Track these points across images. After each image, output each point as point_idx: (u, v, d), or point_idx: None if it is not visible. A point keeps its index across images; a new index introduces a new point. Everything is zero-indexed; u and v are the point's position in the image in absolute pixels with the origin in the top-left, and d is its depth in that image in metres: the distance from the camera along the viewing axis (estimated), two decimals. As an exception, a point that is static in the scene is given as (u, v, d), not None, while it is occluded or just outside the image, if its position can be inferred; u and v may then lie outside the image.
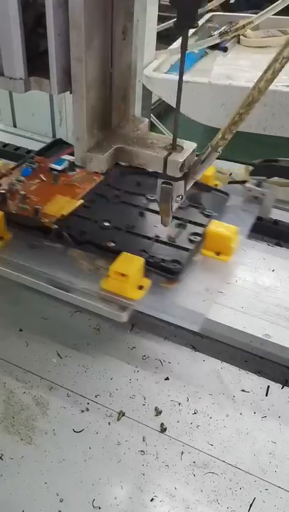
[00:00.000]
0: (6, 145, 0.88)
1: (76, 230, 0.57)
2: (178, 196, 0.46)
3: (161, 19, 0.85)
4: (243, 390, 0.52)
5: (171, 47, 0.89)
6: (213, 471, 0.44)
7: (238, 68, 0.83)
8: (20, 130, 0.97)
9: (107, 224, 0.58)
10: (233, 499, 0.43)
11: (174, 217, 0.58)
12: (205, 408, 0.50)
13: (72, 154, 0.64)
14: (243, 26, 0.86)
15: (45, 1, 0.34)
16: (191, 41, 1.03)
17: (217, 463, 0.45)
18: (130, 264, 0.51)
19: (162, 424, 0.48)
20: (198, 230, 0.59)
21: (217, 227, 0.59)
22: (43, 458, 0.44)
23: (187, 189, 0.46)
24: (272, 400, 0.51)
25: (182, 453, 0.46)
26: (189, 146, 0.45)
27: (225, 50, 0.97)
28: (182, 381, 0.52)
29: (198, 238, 0.57)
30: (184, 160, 0.43)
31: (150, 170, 0.47)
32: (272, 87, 0.70)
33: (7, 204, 0.61)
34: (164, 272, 0.53)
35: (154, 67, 0.80)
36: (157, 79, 0.77)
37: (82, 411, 0.48)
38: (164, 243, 0.57)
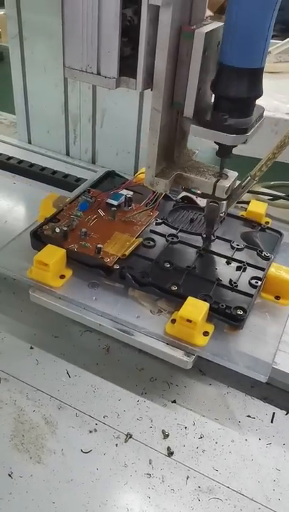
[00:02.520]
0: (21, 161, 0.90)
1: (138, 271, 0.56)
2: (221, 213, 0.57)
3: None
4: (248, 416, 0.52)
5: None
6: (217, 496, 0.45)
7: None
8: (34, 147, 0.99)
9: (168, 265, 0.58)
10: (237, 526, 0.43)
11: (234, 260, 0.60)
12: (211, 433, 0.50)
13: (127, 189, 0.69)
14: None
15: (141, 17, 0.44)
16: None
17: (222, 489, 0.46)
18: (196, 310, 0.51)
19: (169, 448, 0.48)
20: (259, 273, 0.59)
21: (278, 270, 0.58)
22: (52, 477, 0.45)
23: (229, 208, 0.57)
24: (277, 426, 0.52)
25: (188, 477, 0.46)
26: (232, 174, 0.55)
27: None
28: (189, 404, 0.53)
29: (259, 283, 0.57)
30: (229, 185, 0.54)
31: (201, 192, 0.55)
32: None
33: (68, 241, 0.60)
34: (229, 318, 0.53)
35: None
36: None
37: (91, 431, 0.49)
38: (226, 287, 0.56)
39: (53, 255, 0.56)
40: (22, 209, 0.81)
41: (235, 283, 0.56)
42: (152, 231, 0.64)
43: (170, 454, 0.48)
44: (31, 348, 0.58)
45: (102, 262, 0.57)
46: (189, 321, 0.50)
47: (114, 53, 0.45)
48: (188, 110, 0.49)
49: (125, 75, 0.47)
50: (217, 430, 0.51)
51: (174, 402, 0.53)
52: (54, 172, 0.88)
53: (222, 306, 0.53)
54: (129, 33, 0.45)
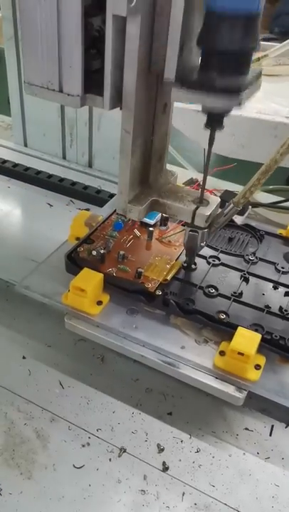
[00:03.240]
0: (16, 165, 0.89)
1: (182, 297, 0.53)
2: (202, 242, 0.53)
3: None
4: (246, 429, 0.51)
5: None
6: (214, 514, 0.44)
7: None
8: (30, 150, 0.97)
9: (212, 291, 0.54)
10: None
11: (281, 284, 0.57)
12: (207, 447, 0.49)
13: None
14: (258, 59, 0.87)
15: (106, 28, 0.38)
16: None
17: (219, 505, 0.44)
18: (249, 342, 0.47)
19: (164, 463, 0.47)
20: None
21: None
22: (43, 494, 0.44)
23: (210, 237, 0.54)
24: (275, 440, 0.50)
25: (183, 493, 0.45)
26: (214, 200, 0.50)
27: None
28: (185, 417, 0.52)
29: None
30: (210, 213, 0.49)
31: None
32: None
33: (105, 264, 0.56)
34: (283, 350, 0.49)
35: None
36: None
37: (83, 445, 0.48)
38: (276, 315, 0.53)
39: (91, 280, 0.52)
40: (17, 214, 0.79)
41: (286, 310, 0.53)
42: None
43: (165, 469, 0.46)
44: (23, 357, 0.56)
45: (144, 287, 0.54)
46: (241, 353, 0.46)
47: (78, 68, 0.40)
48: (170, 71, 0.41)
49: (91, 92, 0.42)
50: (214, 444, 0.49)
51: (170, 414, 0.52)
52: (50, 176, 0.86)
53: (275, 336, 0.49)
54: (97, 44, 0.40)
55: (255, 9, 0.38)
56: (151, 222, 0.62)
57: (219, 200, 0.51)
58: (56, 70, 0.41)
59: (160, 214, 0.62)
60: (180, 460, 0.48)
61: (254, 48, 0.40)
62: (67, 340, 0.59)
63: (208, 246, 0.61)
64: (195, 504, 0.44)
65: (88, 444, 0.48)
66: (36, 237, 0.71)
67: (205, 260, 0.59)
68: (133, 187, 0.49)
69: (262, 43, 1.09)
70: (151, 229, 0.61)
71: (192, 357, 0.49)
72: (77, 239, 0.61)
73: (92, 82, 0.41)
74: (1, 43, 1.17)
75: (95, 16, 0.39)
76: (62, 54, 0.40)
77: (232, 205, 0.50)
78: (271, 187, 1.05)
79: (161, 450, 0.48)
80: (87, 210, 0.79)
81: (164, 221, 0.63)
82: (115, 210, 0.64)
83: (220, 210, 0.51)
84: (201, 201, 0.50)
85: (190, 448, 0.49)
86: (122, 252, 0.57)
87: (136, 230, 0.62)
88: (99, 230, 0.61)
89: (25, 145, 0.99)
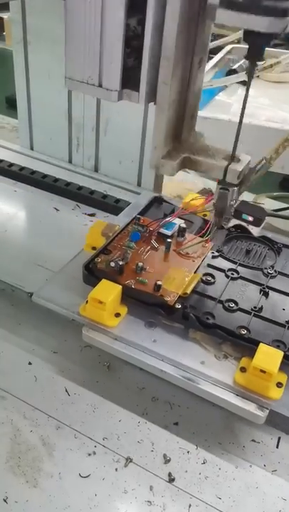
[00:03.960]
0: (22, 168, 0.88)
1: (201, 311, 0.53)
2: (232, 200, 0.52)
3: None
4: (253, 440, 0.51)
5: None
6: (222, 530, 0.43)
7: (258, 106, 0.83)
8: (36, 153, 0.97)
9: (232, 305, 0.54)
10: None
11: None
12: (214, 458, 0.49)
13: (180, 217, 0.64)
14: (271, 66, 0.87)
15: (145, 29, 0.42)
16: (211, 73, 1.04)
17: (225, 518, 0.44)
18: (271, 360, 0.46)
19: (170, 474, 0.47)
20: None
21: None
22: (48, 503, 0.43)
23: (240, 195, 0.52)
24: (282, 452, 0.50)
25: (190, 505, 0.45)
26: (245, 158, 0.50)
27: (244, 84, 0.98)
28: (192, 427, 0.51)
29: None
30: (242, 169, 0.49)
31: (219, 178, 0.50)
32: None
33: (123, 276, 0.55)
34: None
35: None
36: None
37: (89, 454, 0.48)
38: None
39: (110, 292, 0.52)
40: (24, 218, 0.79)
41: None
42: (210, 265, 0.60)
43: (171, 480, 0.46)
44: (29, 363, 0.56)
45: (163, 300, 0.53)
46: (263, 371, 0.45)
47: (117, 65, 0.43)
48: None
49: (128, 87, 0.45)
50: (221, 455, 0.49)
51: (176, 424, 0.52)
52: (56, 180, 0.86)
53: None
54: (132, 43, 0.43)
55: None
56: (169, 233, 0.62)
57: (250, 158, 0.51)
58: (97, 66, 0.44)
59: (178, 225, 0.62)
60: (186, 471, 0.47)
61: None
62: (74, 347, 0.59)
63: (226, 259, 0.61)
64: (201, 516, 0.44)
65: (94, 452, 0.48)
66: (43, 241, 0.70)
67: (224, 273, 0.59)
68: (166, 142, 0.49)
69: (271, 49, 1.10)
70: (169, 240, 0.60)
71: (212, 373, 0.49)
72: (94, 248, 0.60)
73: (128, 79, 0.44)
74: (8, 45, 1.17)
75: (132, 17, 0.42)
76: (104, 51, 0.43)
77: (264, 161, 0.52)
78: (275, 194, 1.05)
79: (167, 461, 0.48)
80: (93, 214, 0.80)
81: (181, 232, 0.62)
82: (132, 220, 0.64)
83: (250, 167, 0.52)
84: (233, 158, 0.50)
85: (196, 459, 0.48)
86: (140, 264, 0.56)
87: (153, 241, 0.61)
88: (116, 240, 0.61)
89: (32, 148, 0.98)
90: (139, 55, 0.43)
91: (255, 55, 0.44)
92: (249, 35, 0.41)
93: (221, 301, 0.54)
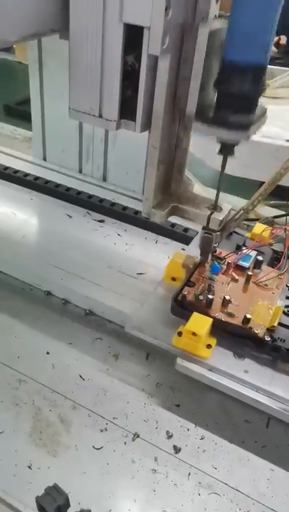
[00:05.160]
0: (37, 178, 0.96)
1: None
2: (215, 243, 0.59)
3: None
4: (246, 421, 0.57)
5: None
6: (216, 492, 0.50)
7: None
8: (49, 164, 1.04)
9: None
10: (233, 518, 0.48)
11: None
12: (211, 435, 0.55)
13: (255, 249, 0.67)
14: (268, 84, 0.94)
15: (141, 65, 0.46)
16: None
17: (220, 485, 0.51)
18: None
19: (175, 447, 0.53)
20: None
21: None
22: (67, 470, 0.50)
23: (222, 240, 0.60)
24: (271, 431, 0.57)
25: (189, 474, 0.51)
26: (226, 207, 0.58)
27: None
28: (192, 409, 0.58)
29: None
30: (223, 218, 0.56)
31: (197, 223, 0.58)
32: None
33: (212, 309, 0.59)
34: None
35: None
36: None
37: (102, 430, 0.54)
38: None
39: (203, 325, 0.55)
40: (40, 224, 0.86)
41: None
42: (288, 297, 0.63)
43: (178, 450, 0.53)
44: (47, 353, 0.63)
45: (253, 333, 0.56)
46: None
47: (116, 98, 0.48)
48: (191, 108, 0.50)
49: (125, 117, 0.49)
50: (217, 432, 0.55)
51: (178, 406, 0.58)
52: (68, 189, 0.93)
53: None
54: (129, 77, 0.48)
55: (263, 62, 0.45)
56: (247, 265, 0.65)
57: (230, 207, 0.58)
58: (98, 98, 0.49)
59: (254, 257, 0.66)
60: (186, 445, 0.54)
61: (262, 92, 0.47)
62: (86, 340, 0.66)
63: None
64: (199, 483, 0.51)
65: (106, 429, 0.54)
66: (57, 245, 0.77)
67: None
68: (156, 194, 0.56)
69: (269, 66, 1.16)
70: (249, 273, 0.63)
71: None
72: (173, 279, 0.65)
73: (126, 109, 0.49)
74: (19, 58, 1.25)
75: (130, 55, 0.47)
76: (104, 85, 0.48)
77: (242, 211, 0.58)
78: (272, 202, 1.12)
79: (170, 436, 0.55)
80: (102, 221, 0.87)
81: (258, 264, 0.65)
82: (212, 254, 0.66)
83: (231, 216, 0.58)
84: (215, 208, 0.57)
85: (195, 435, 0.55)
86: (227, 297, 0.59)
87: (233, 273, 0.65)
88: (197, 273, 0.64)
89: (45, 159, 1.06)
90: (136, 88, 0.47)
91: (226, 153, 0.53)
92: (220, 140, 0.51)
93: None
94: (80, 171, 1.03)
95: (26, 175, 0.96)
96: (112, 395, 0.58)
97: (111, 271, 0.73)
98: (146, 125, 0.51)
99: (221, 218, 0.56)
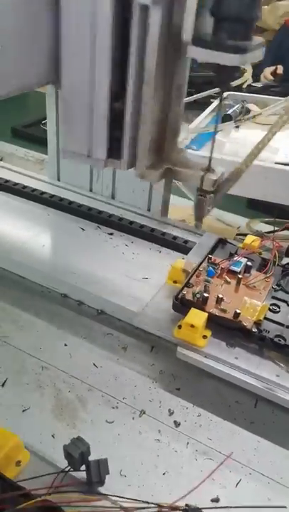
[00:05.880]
0: (52, 196, 1.07)
1: (273, 334, 0.65)
2: (209, 206, 0.61)
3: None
4: (237, 402, 0.66)
5: (190, 126, 1.09)
6: (210, 457, 0.59)
7: (246, 145, 1.01)
8: (62, 183, 1.15)
9: None
10: (225, 479, 0.57)
11: None
12: (207, 412, 0.64)
13: (246, 257, 0.78)
14: (254, 117, 1.06)
15: (126, 111, 0.52)
16: (209, 117, 1.23)
17: (214, 453, 0.59)
18: None
19: (175, 422, 0.62)
20: None
21: None
22: (84, 439, 0.59)
23: (216, 201, 0.61)
24: (259, 410, 0.66)
25: (188, 443, 0.60)
26: (219, 170, 0.60)
27: (237, 127, 1.17)
28: (190, 392, 0.67)
29: None
30: (217, 179, 0.58)
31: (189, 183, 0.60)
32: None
33: (207, 305, 0.68)
34: None
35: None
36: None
37: (113, 408, 0.64)
38: None
39: (199, 318, 0.65)
40: (56, 236, 0.97)
41: None
42: (274, 297, 0.73)
43: (178, 425, 0.62)
44: (65, 345, 0.72)
45: (242, 325, 0.66)
46: None
47: (104, 139, 0.53)
48: (187, 34, 0.50)
49: (112, 156, 0.54)
50: (212, 411, 0.65)
51: (178, 389, 0.67)
52: (80, 205, 1.04)
53: None
54: (116, 120, 0.52)
55: None
56: (238, 269, 0.75)
57: (224, 169, 0.60)
58: (87, 140, 0.54)
59: (244, 263, 0.76)
60: (185, 421, 0.63)
61: (257, 19, 0.49)
62: (98, 334, 0.75)
63: (285, 291, 0.74)
64: (196, 450, 0.60)
65: (117, 407, 0.64)
66: (73, 254, 0.88)
67: (286, 303, 0.72)
68: (150, 155, 0.56)
69: (265, 96, 1.28)
70: (240, 276, 0.73)
71: (287, 384, 0.62)
72: (174, 282, 0.76)
73: (112, 149, 0.54)
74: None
75: (116, 102, 0.52)
76: (93, 129, 0.53)
77: (236, 170, 0.59)
78: (267, 219, 1.23)
79: (171, 413, 0.64)
80: (111, 233, 0.97)
81: (247, 269, 0.75)
82: (204, 259, 0.78)
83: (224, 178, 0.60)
84: (209, 169, 0.58)
85: (193, 413, 0.64)
86: (220, 296, 0.69)
87: (226, 277, 0.75)
88: (195, 276, 0.74)
89: (58, 179, 1.17)
90: (122, 131, 0.52)
91: (223, 82, 0.54)
92: (217, 68, 0.50)
93: (288, 327, 0.67)
94: (91, 190, 1.14)
95: (43, 193, 1.07)
96: (121, 380, 0.68)
97: (119, 276, 0.83)
98: (132, 163, 0.55)
99: (214, 178, 0.57)
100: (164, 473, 0.57)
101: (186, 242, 0.95)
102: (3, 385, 0.65)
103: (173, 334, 0.67)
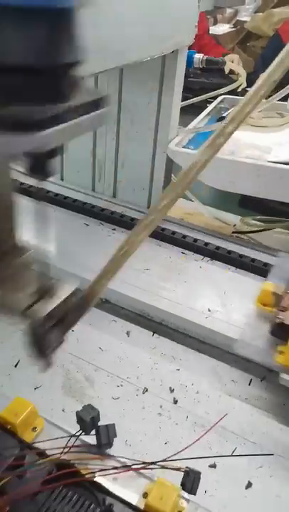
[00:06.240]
0: (57, 194, 1.12)
1: None
2: (54, 343, 0.41)
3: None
4: (232, 380, 0.72)
5: (188, 127, 1.15)
6: (208, 429, 0.64)
7: (241, 145, 1.07)
8: (66, 183, 1.21)
9: None
10: (221, 447, 0.62)
11: None
12: (205, 390, 0.70)
13: None
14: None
15: None
16: (205, 119, 1.29)
17: (211, 424, 0.65)
18: None
19: (174, 398, 0.68)
20: None
21: None
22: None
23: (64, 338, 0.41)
24: (253, 388, 0.71)
25: (187, 417, 0.66)
26: (66, 289, 0.40)
27: (232, 128, 1.23)
28: (189, 372, 0.73)
29: None
30: (58, 305, 0.38)
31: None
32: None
33: None
34: None
35: (176, 142, 1.04)
36: (178, 152, 1.02)
37: (118, 386, 0.69)
38: None
39: None
40: (63, 231, 1.02)
41: None
42: None
43: (175, 402, 0.67)
44: (72, 331, 0.77)
45: None
46: None
47: None
48: None
49: None
50: (209, 388, 0.70)
51: (178, 370, 0.73)
52: (84, 203, 1.10)
53: None
54: None
55: (64, 4, 0.26)
56: None
57: (75, 287, 0.40)
58: None
59: None
60: (185, 397, 0.68)
61: (75, 63, 0.28)
62: (103, 321, 0.81)
63: None
64: (195, 423, 0.65)
65: (122, 385, 0.69)
66: (80, 246, 0.93)
67: None
68: None
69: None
70: None
71: None
72: (264, 305, 0.74)
73: None
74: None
75: None
76: None
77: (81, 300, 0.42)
78: (259, 217, 1.29)
79: (172, 391, 0.69)
80: (114, 229, 1.02)
81: None
82: None
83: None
84: (49, 289, 0.38)
85: (191, 390, 0.70)
86: None
87: None
88: (285, 300, 0.72)
89: (62, 179, 1.23)
90: None
91: (35, 173, 0.34)
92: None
93: None
94: (93, 189, 1.20)
95: (47, 192, 1.13)
96: (125, 362, 0.73)
97: (123, 267, 0.88)
98: None
99: (47, 310, 0.38)
100: (165, 443, 0.62)
101: (184, 237, 1.01)
102: (16, 365, 0.70)
103: (275, 360, 0.66)
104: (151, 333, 0.79)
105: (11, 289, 0.39)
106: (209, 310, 0.80)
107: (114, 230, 1.02)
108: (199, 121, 1.22)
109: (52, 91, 0.28)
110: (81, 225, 1.02)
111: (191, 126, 1.15)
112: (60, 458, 0.50)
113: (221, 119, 1.25)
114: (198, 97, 1.33)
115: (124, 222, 1.05)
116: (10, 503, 0.44)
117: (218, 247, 0.98)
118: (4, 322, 0.76)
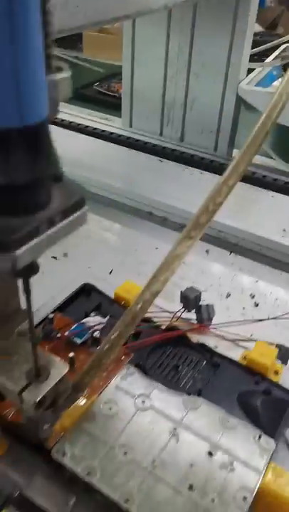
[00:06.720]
0: (128, 137, 1.19)
1: None
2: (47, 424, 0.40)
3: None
4: None
5: (266, 61, 1.17)
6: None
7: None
8: (135, 129, 1.27)
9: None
10: None
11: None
12: (283, 297, 0.75)
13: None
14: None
15: None
16: (270, 66, 1.30)
17: (291, 325, 0.70)
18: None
19: (255, 302, 0.74)
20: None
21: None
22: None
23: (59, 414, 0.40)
24: None
25: (268, 316, 0.71)
26: (56, 374, 0.36)
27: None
28: (267, 283, 0.78)
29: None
30: (44, 395, 0.35)
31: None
32: None
33: None
34: None
35: (246, 82, 1.08)
36: (250, 90, 1.06)
37: (203, 291, 0.75)
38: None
39: None
40: (138, 168, 1.09)
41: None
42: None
43: (256, 305, 0.73)
44: (156, 248, 0.85)
45: None
46: None
47: None
48: None
49: None
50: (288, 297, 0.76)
51: (257, 281, 0.78)
52: (154, 145, 1.16)
53: None
54: None
55: (18, 123, 0.24)
56: None
57: (65, 371, 0.37)
58: None
59: None
60: (265, 303, 0.74)
61: (43, 179, 0.27)
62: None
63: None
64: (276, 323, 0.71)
65: (206, 291, 0.75)
66: (155, 180, 1.00)
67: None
68: None
69: None
70: None
71: None
72: None
73: None
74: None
75: None
76: None
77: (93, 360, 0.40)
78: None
79: (252, 297, 0.75)
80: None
81: None
82: None
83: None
84: (39, 373, 0.36)
85: (271, 297, 0.75)
86: None
87: None
88: None
89: (130, 126, 1.28)
90: None
91: (22, 276, 0.31)
92: None
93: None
94: (161, 134, 1.25)
95: (120, 135, 1.20)
96: (206, 274, 0.79)
97: (197, 198, 0.94)
98: None
99: (37, 398, 0.35)
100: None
101: (253, 173, 1.05)
102: (110, 272, 0.78)
103: None
104: (228, 252, 0.85)
105: (8, 369, 0.36)
106: (284, 230, 0.85)
107: (186, 168, 1.08)
108: (265, 67, 1.24)
109: (28, 204, 0.27)
110: (155, 161, 1.08)
111: (267, 61, 1.18)
112: (171, 323, 0.58)
113: (286, 65, 1.27)
114: (264, 45, 1.34)
115: (194, 162, 1.10)
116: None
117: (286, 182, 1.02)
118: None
